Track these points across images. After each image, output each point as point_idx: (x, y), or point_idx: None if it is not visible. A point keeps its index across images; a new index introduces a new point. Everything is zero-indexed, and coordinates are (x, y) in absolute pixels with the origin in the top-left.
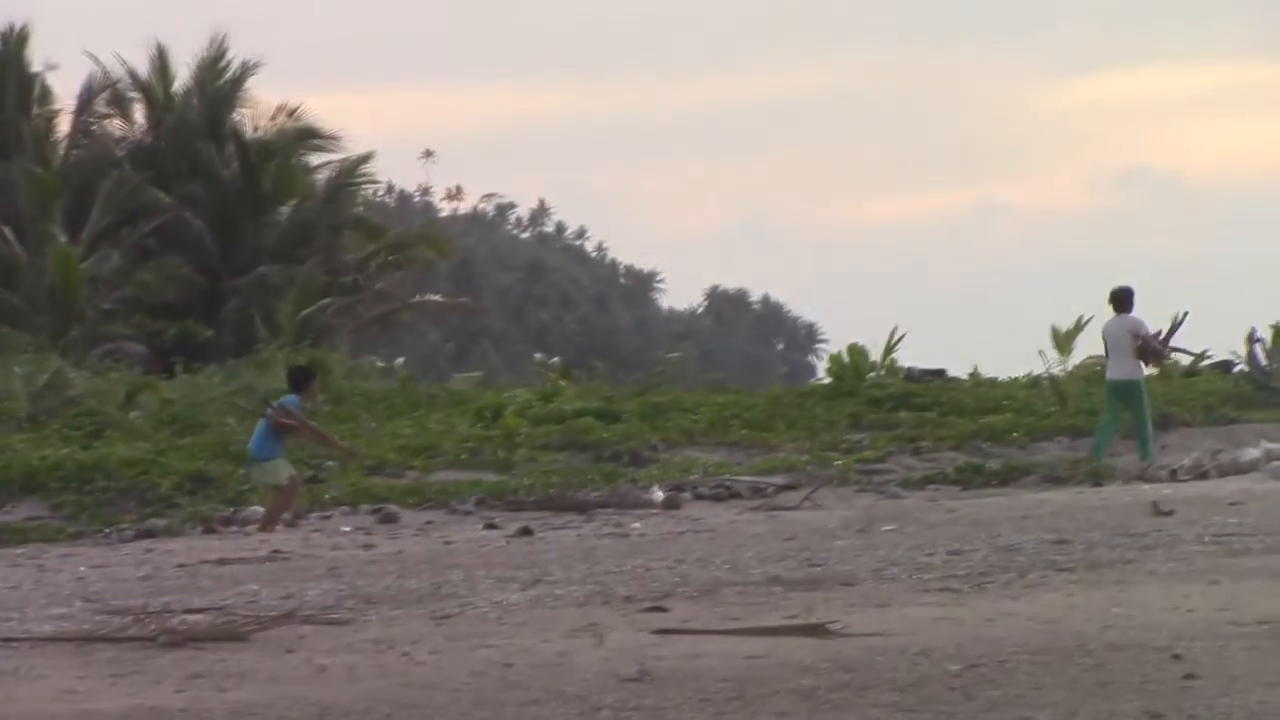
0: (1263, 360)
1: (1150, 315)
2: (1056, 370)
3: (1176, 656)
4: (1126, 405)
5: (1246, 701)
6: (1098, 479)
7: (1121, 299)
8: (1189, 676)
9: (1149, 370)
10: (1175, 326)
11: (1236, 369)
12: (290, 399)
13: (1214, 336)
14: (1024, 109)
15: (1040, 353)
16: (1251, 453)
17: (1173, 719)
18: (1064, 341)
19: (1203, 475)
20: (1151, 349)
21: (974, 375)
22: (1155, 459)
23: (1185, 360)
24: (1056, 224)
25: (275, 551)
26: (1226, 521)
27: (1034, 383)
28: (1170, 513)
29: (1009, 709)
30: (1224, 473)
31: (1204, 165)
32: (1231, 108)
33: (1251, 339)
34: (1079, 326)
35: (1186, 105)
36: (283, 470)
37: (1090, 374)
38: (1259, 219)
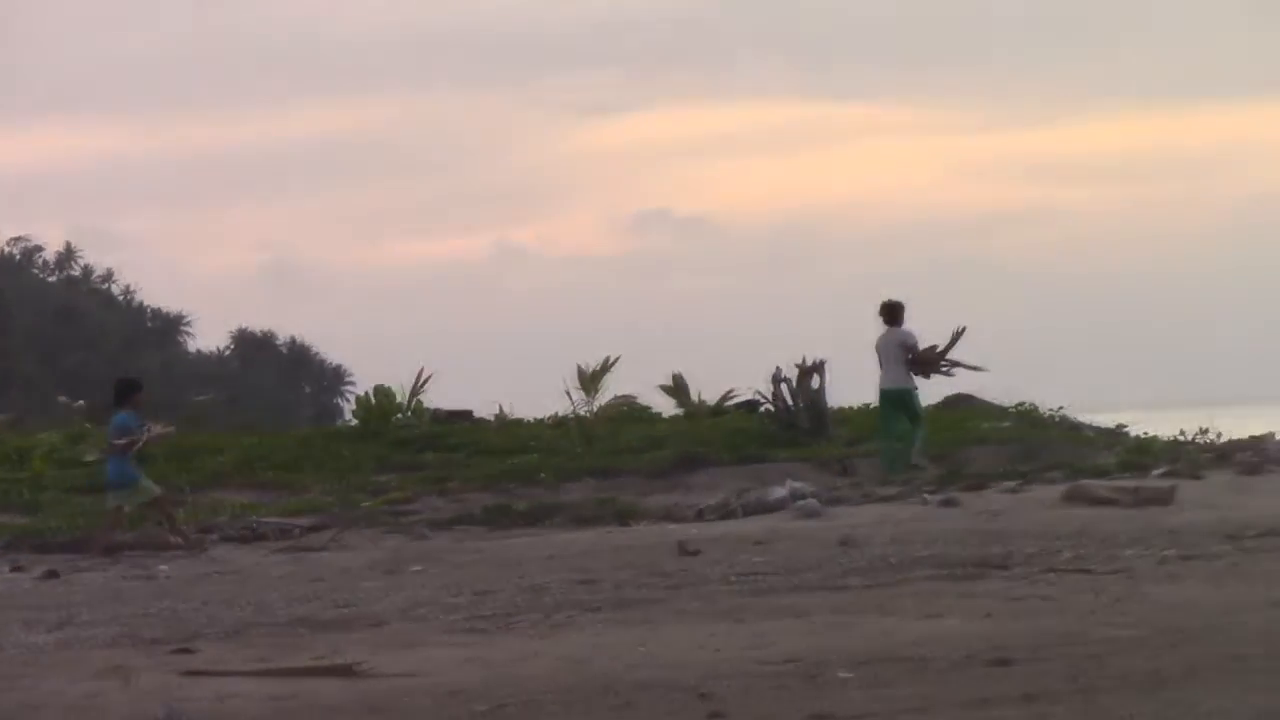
0: (789, 399)
1: (675, 362)
2: (583, 411)
3: (703, 695)
4: (902, 411)
5: None
6: (623, 519)
7: (892, 312)
8: (716, 715)
9: (921, 380)
10: (954, 340)
11: (762, 408)
12: (122, 418)
13: (739, 376)
14: (543, 152)
15: (567, 393)
16: (778, 492)
17: None
18: (590, 382)
19: (729, 514)
20: (922, 360)
21: (501, 416)
22: (926, 465)
23: (966, 372)
24: (578, 266)
25: None
26: (753, 560)
27: (561, 423)
28: (697, 552)
29: None
30: (751, 512)
31: (724, 206)
32: (751, 148)
33: (777, 378)
34: (605, 367)
35: (706, 146)
36: (150, 486)
37: (617, 414)
38: (781, 258)
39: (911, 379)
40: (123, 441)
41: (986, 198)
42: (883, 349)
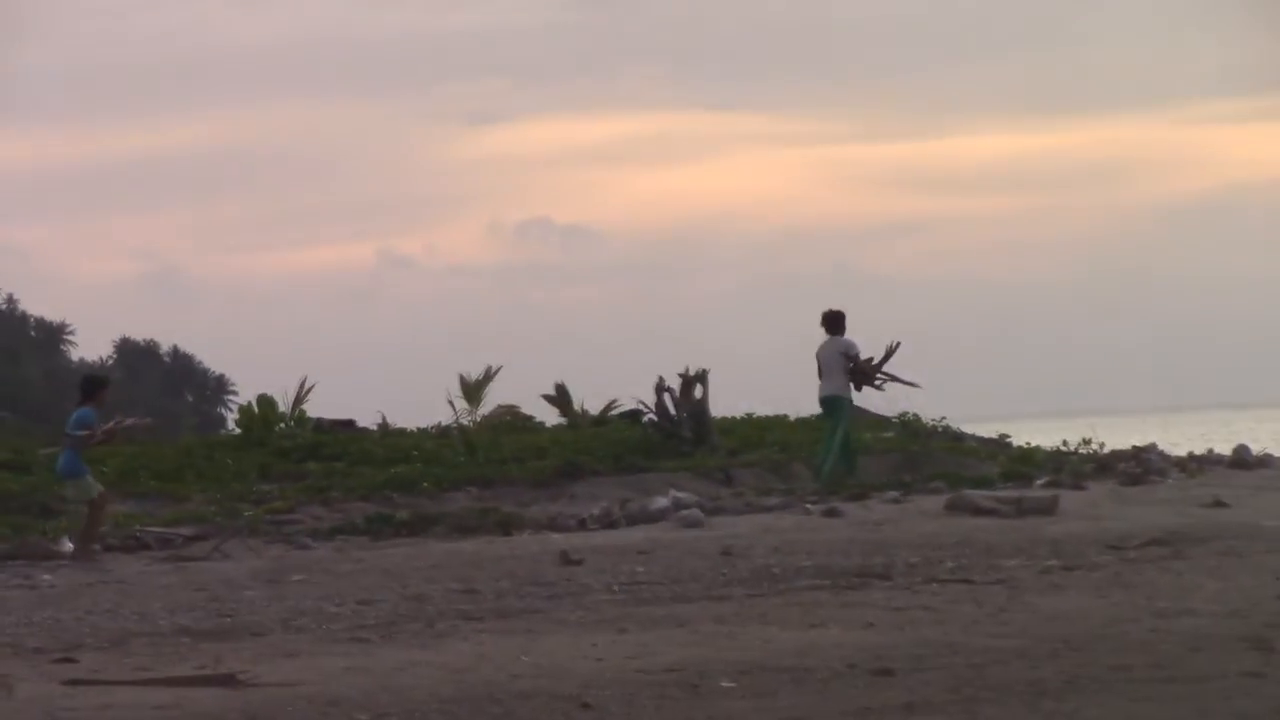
0: (671, 409)
1: (558, 372)
2: (466, 420)
3: (585, 705)
4: (829, 418)
5: None
6: (506, 528)
7: (833, 321)
8: None
9: (858, 392)
10: (889, 353)
11: (645, 418)
12: (84, 412)
13: (622, 386)
14: (427, 162)
15: (450, 403)
16: (660, 501)
17: None
18: (473, 392)
19: (612, 524)
20: (861, 370)
21: (383, 425)
22: (827, 479)
23: (900, 386)
24: (461, 276)
25: None
26: (635, 570)
27: (444, 433)
28: (579, 562)
29: None
30: (633, 521)
31: (605, 215)
32: (632, 157)
33: (660, 388)
34: (488, 377)
35: (587, 155)
36: (93, 484)
37: (500, 423)
38: (662, 267)
39: (850, 389)
40: (81, 434)
41: (866, 208)
42: (824, 358)
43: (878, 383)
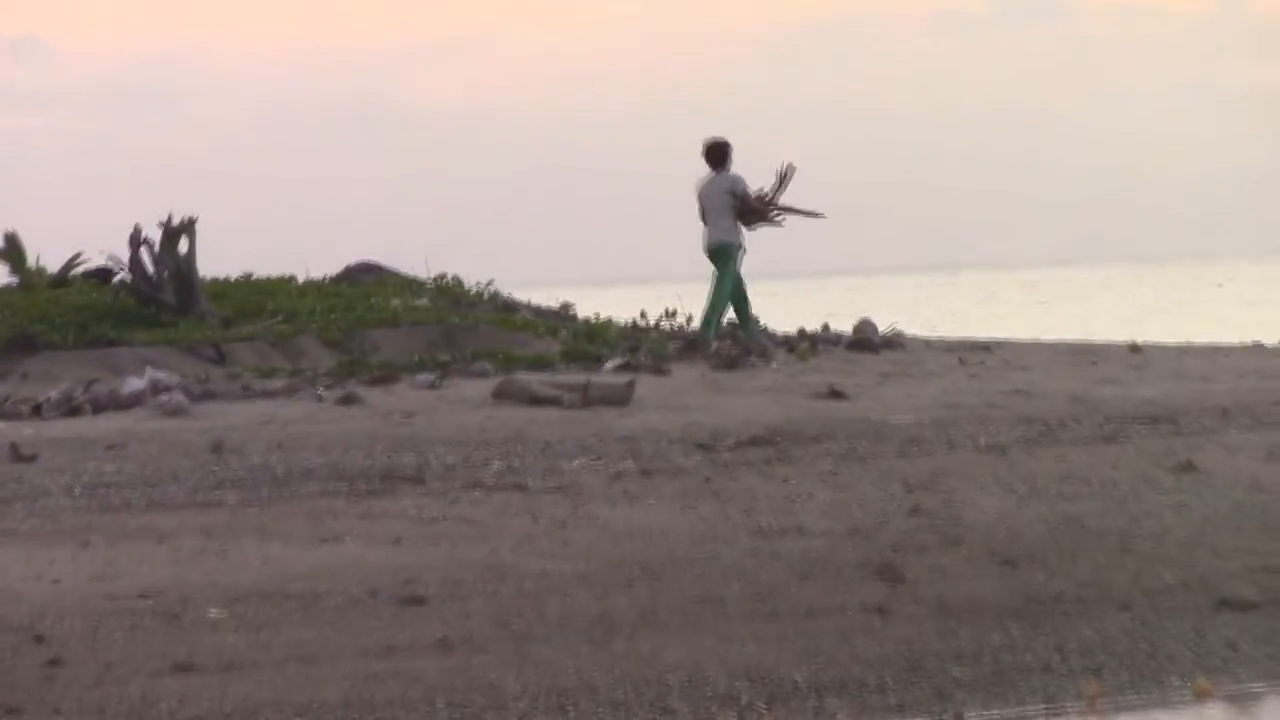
0: (150, 268)
1: (6, 218)
2: None
3: (39, 638)
4: (717, 268)
5: (126, 693)
6: None
7: (717, 154)
8: (54, 663)
9: (751, 231)
10: (783, 180)
11: (118, 278)
12: None
13: (89, 238)
14: None
15: None
16: (135, 383)
17: (34, 715)
18: None
19: (74, 411)
20: (753, 208)
21: None
22: (713, 336)
23: (801, 218)
24: None
25: None
26: (103, 469)
27: None
28: (33, 458)
29: None
30: (101, 408)
31: (65, 28)
32: None
33: (137, 241)
34: None
35: None
36: None
37: None
38: (141, 94)
39: (740, 233)
40: None
41: (396, 25)
42: (706, 198)
43: (776, 218)
